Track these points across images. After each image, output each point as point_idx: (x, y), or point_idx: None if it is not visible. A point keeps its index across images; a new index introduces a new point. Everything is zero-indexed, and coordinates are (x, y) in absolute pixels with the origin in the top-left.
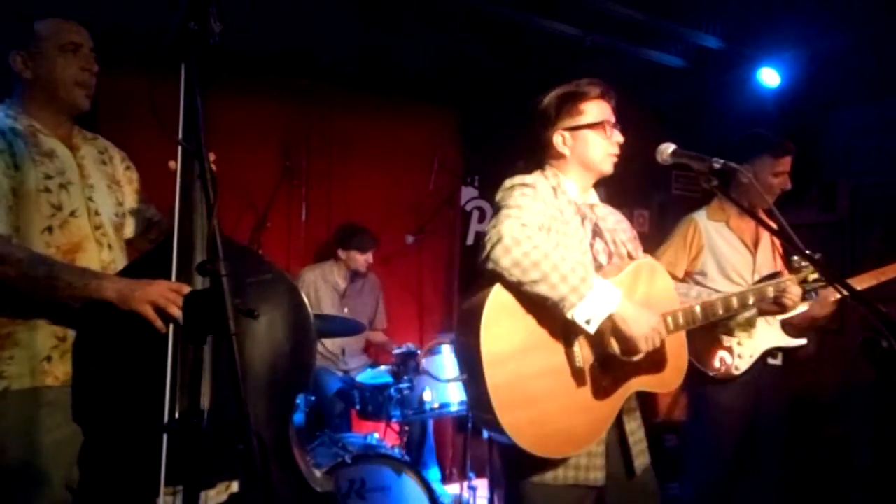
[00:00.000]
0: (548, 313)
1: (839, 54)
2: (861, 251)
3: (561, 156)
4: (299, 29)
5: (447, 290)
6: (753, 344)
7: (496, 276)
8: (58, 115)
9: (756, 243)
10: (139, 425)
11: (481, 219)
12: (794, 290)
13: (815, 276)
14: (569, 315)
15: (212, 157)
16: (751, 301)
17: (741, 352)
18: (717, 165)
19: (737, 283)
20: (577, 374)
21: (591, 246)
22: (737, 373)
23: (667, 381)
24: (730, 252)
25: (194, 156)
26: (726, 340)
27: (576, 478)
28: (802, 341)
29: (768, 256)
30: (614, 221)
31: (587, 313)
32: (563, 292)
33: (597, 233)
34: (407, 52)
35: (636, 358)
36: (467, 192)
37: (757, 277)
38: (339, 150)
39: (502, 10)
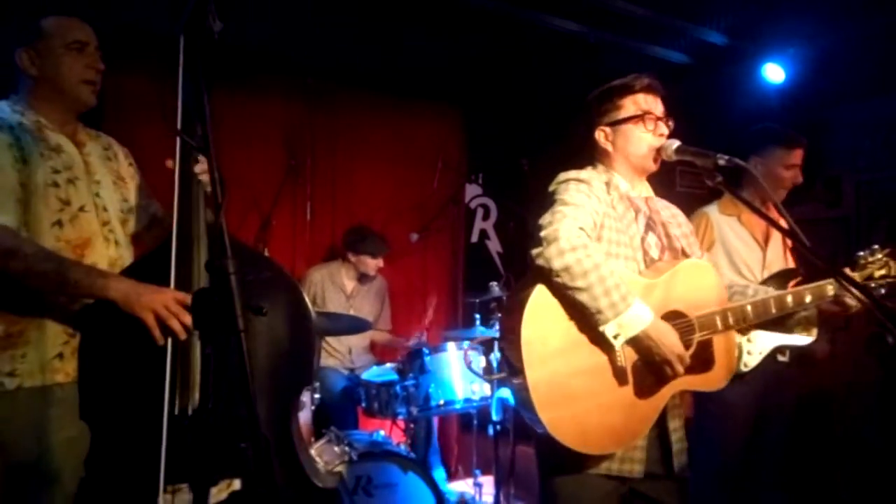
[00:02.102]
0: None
1: (844, 50)
2: (867, 246)
3: (606, 152)
4: (303, 27)
5: (452, 287)
6: (763, 341)
7: (542, 273)
8: (64, 111)
9: (767, 239)
10: (144, 423)
11: (486, 216)
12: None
13: (883, 272)
14: (600, 328)
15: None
16: (808, 300)
17: (750, 349)
18: (721, 162)
19: (747, 277)
20: (619, 373)
21: (643, 240)
22: (745, 370)
23: (713, 381)
24: (741, 247)
25: (202, 152)
26: (735, 337)
27: (609, 468)
28: (811, 339)
29: (779, 252)
30: (669, 215)
31: (617, 329)
32: (601, 305)
33: (650, 226)
34: (411, 51)
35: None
36: (472, 190)
37: (766, 273)
38: (344, 149)
39: (506, 7)
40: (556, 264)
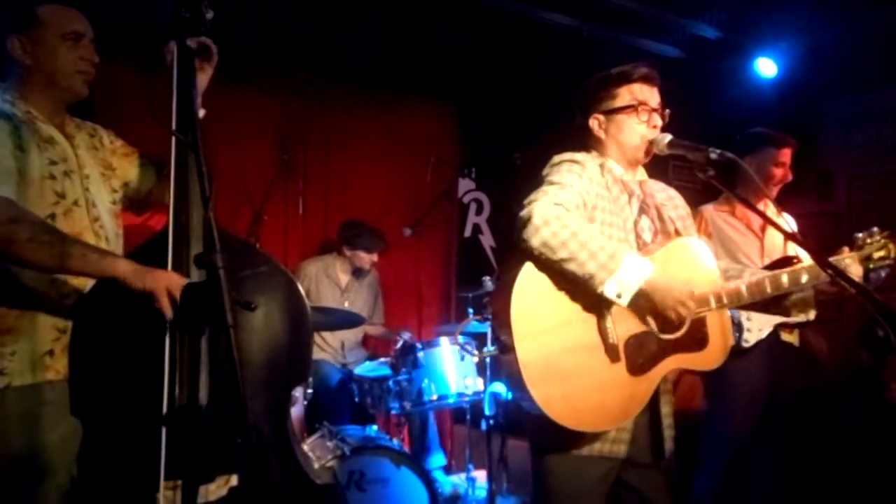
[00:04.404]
0: (579, 289)
1: (836, 44)
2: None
3: (599, 139)
4: (296, 21)
5: (445, 282)
6: (763, 317)
7: (527, 254)
8: (54, 102)
9: (764, 228)
10: (137, 419)
11: (479, 211)
12: (855, 270)
13: (881, 253)
14: (599, 290)
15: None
16: (804, 280)
17: (750, 326)
18: (713, 156)
19: (747, 266)
20: (611, 351)
21: (636, 223)
22: (747, 345)
23: (708, 360)
24: (737, 237)
25: (190, 147)
26: (735, 314)
27: (601, 450)
28: (809, 317)
29: (777, 241)
30: (665, 197)
31: (617, 287)
32: (591, 269)
33: (643, 210)
34: (404, 45)
35: (674, 336)
36: (464, 185)
37: (767, 261)
38: (336, 144)
39: (500, 1)
40: (535, 242)
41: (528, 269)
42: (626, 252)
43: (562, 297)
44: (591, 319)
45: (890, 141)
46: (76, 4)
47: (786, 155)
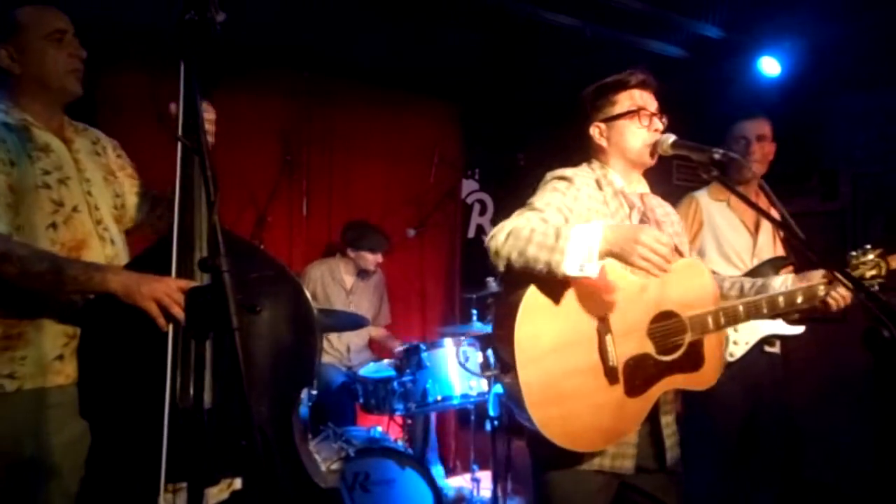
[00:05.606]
0: (581, 312)
1: (840, 43)
2: (863, 240)
3: (601, 148)
4: (300, 22)
5: (449, 283)
6: (750, 330)
7: (509, 275)
8: (50, 106)
9: (757, 226)
10: (145, 421)
11: (482, 212)
12: (843, 290)
13: (873, 272)
14: (561, 274)
15: (210, 115)
16: (799, 300)
17: (737, 338)
18: (717, 156)
19: (735, 264)
20: (610, 373)
21: None
22: (731, 359)
23: (703, 380)
24: (729, 232)
25: (195, 152)
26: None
27: (601, 464)
28: (800, 329)
29: (769, 240)
30: (662, 213)
31: (576, 263)
32: (544, 258)
33: (644, 222)
34: (407, 46)
35: (672, 357)
36: (468, 186)
37: (756, 261)
38: (340, 144)
39: (503, 2)
40: (496, 259)
41: (532, 291)
42: (571, 226)
43: (564, 320)
44: (592, 341)
45: (894, 140)
46: (83, 6)
47: (761, 127)
